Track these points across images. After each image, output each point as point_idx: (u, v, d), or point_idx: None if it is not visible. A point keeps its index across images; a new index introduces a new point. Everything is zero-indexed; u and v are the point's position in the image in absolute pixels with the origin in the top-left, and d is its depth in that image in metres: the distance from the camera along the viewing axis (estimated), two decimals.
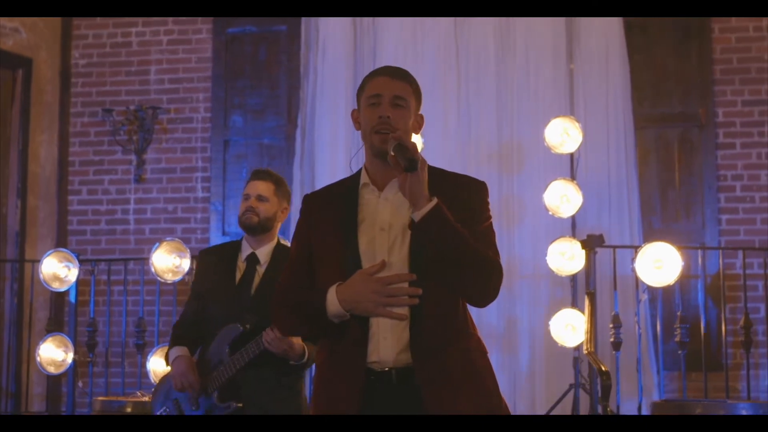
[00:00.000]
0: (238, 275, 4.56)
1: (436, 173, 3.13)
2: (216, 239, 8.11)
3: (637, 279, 6.54)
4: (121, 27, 8.63)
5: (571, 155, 7.14)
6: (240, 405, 4.40)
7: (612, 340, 6.49)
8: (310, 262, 3.12)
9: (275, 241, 4.63)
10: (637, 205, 7.65)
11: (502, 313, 7.41)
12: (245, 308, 4.44)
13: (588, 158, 7.51)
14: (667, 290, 6.94)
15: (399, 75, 3.12)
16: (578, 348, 6.66)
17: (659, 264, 6.29)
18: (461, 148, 7.76)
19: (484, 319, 7.10)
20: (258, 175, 4.67)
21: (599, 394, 5.55)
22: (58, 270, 6.96)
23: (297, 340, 4.26)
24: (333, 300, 2.94)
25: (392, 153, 2.95)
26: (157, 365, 6.59)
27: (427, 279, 2.94)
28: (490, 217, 3.13)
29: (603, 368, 5.49)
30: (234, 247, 4.67)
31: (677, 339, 6.47)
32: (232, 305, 4.48)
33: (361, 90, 3.15)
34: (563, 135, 6.97)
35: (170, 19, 8.53)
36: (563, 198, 6.87)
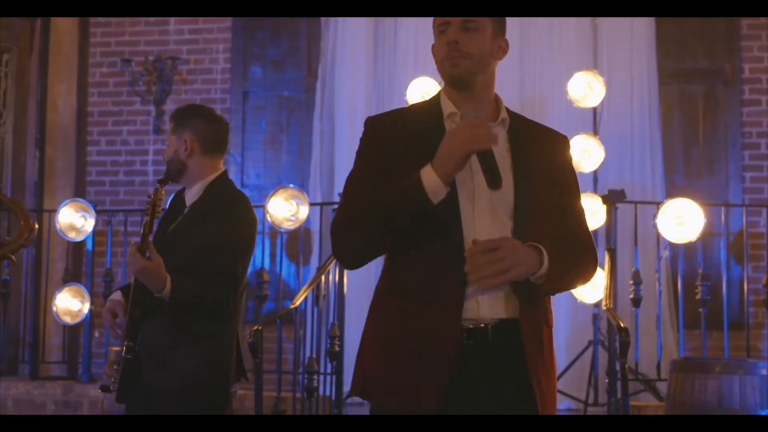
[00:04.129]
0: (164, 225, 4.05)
1: (519, 120, 2.95)
2: None
3: (658, 235, 6.47)
4: None
5: (594, 109, 7.08)
6: (129, 357, 3.81)
7: (632, 296, 6.43)
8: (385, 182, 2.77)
9: (205, 181, 4.09)
10: (660, 160, 7.55)
11: None
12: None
13: (611, 113, 7.41)
14: (688, 247, 6.86)
15: None
16: (598, 304, 6.61)
17: (681, 220, 6.23)
18: None
19: None
20: None
21: (618, 351, 5.48)
22: (74, 220, 6.94)
23: (156, 266, 3.70)
24: (428, 171, 2.66)
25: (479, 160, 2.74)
26: None
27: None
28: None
29: (622, 325, 5.42)
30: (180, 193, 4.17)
31: (698, 297, 6.40)
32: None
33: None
34: (586, 89, 6.89)
35: None
36: (585, 153, 6.79)
